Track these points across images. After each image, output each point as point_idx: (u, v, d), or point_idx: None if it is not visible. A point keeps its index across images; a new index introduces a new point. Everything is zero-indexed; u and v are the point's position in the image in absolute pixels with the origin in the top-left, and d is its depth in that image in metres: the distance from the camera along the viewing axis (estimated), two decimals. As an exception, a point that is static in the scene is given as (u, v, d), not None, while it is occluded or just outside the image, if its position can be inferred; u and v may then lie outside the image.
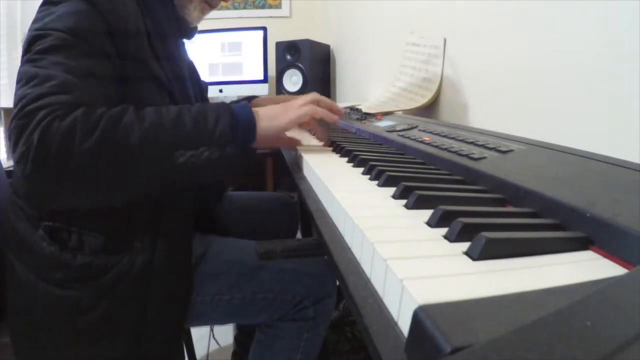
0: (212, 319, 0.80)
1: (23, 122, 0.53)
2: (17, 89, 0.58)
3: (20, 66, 0.60)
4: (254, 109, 0.67)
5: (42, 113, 0.53)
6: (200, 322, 0.81)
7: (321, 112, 0.72)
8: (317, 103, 0.73)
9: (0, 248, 0.73)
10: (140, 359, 0.70)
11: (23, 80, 0.57)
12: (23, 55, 0.63)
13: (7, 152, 1.97)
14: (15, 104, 0.55)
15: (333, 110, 0.76)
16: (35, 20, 0.65)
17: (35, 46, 0.60)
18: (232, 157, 0.61)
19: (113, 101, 0.62)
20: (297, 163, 0.75)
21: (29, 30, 0.64)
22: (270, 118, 0.67)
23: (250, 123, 0.65)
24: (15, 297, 0.70)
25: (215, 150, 0.60)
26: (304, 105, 0.71)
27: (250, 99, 1.05)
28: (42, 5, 0.66)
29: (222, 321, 0.85)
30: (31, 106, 0.53)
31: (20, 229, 0.69)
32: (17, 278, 0.69)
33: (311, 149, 0.79)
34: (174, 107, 0.63)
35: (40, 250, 0.66)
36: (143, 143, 0.56)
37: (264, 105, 0.75)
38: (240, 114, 0.64)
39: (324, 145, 0.81)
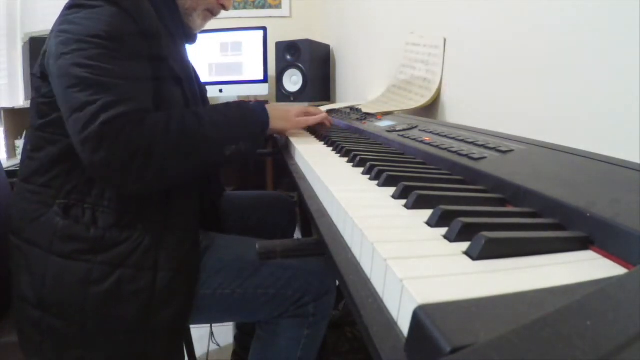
0: (214, 315, 0.81)
1: (104, 131, 0.60)
2: (71, 93, 0.62)
3: (60, 68, 0.64)
4: (267, 109, 0.83)
5: (120, 122, 0.61)
6: (202, 318, 0.82)
7: (312, 122, 0.96)
8: (305, 114, 0.94)
9: (4, 239, 0.75)
10: (144, 350, 0.70)
11: (80, 86, 0.62)
12: (54, 57, 0.65)
13: (7, 152, 1.97)
14: (77, 109, 0.61)
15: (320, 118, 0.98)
16: (64, 22, 0.68)
17: (78, 50, 0.64)
18: (258, 146, 0.80)
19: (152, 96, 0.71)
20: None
21: (59, 31, 0.67)
22: (280, 119, 0.86)
23: (266, 122, 0.82)
24: (22, 281, 0.71)
25: (249, 144, 0.76)
26: (299, 117, 0.92)
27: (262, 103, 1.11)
28: (69, 7, 0.69)
29: (224, 318, 0.86)
30: (107, 115, 0.61)
31: (31, 211, 0.71)
32: (25, 259, 0.71)
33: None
34: (216, 107, 0.79)
35: (54, 225, 0.69)
36: (205, 142, 0.70)
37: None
38: (260, 115, 0.81)
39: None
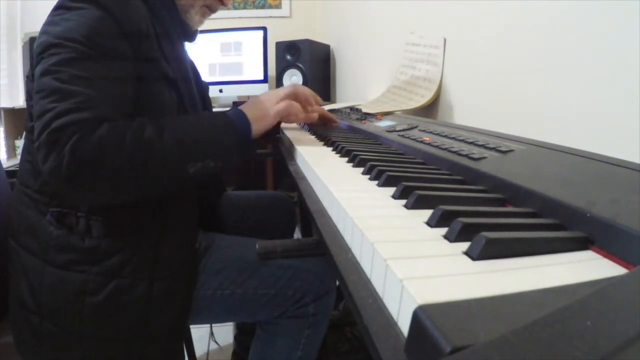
0: (213, 315, 0.81)
1: (52, 138, 0.57)
2: (37, 99, 0.61)
3: (38, 73, 0.62)
4: (245, 113, 0.74)
5: (69, 130, 0.57)
6: (202, 319, 0.82)
7: (297, 107, 0.81)
8: (295, 96, 0.81)
9: (4, 240, 0.74)
10: (142, 355, 0.70)
11: (44, 92, 0.60)
12: (36, 59, 0.64)
13: (7, 152, 1.97)
14: (39, 116, 0.59)
15: (310, 100, 0.87)
16: (48, 23, 0.66)
17: (51, 55, 0.62)
18: (232, 164, 0.71)
19: (130, 101, 0.68)
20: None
21: (42, 32, 0.66)
22: (258, 120, 0.75)
23: (247, 130, 0.73)
24: (20, 285, 0.71)
25: (219, 161, 0.68)
26: (281, 101, 0.79)
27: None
28: (56, 8, 0.68)
29: (224, 318, 0.86)
30: (58, 122, 0.58)
31: (27, 216, 0.71)
32: (22, 265, 0.70)
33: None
34: (184, 118, 0.71)
35: (48, 234, 0.68)
36: (162, 158, 0.63)
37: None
38: (238, 124, 0.72)
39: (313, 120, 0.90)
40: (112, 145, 0.59)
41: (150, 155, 0.62)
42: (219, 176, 0.98)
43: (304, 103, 0.86)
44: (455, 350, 0.18)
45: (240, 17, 2.55)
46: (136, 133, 0.62)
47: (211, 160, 0.67)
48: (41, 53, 0.63)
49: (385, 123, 0.95)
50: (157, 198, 0.71)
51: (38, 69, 0.63)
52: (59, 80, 0.60)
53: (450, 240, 0.32)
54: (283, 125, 0.85)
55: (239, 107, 0.76)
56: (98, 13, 0.65)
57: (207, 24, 0.93)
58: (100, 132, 0.59)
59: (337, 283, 0.85)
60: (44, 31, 0.65)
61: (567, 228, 0.34)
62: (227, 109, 1.22)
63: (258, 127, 0.75)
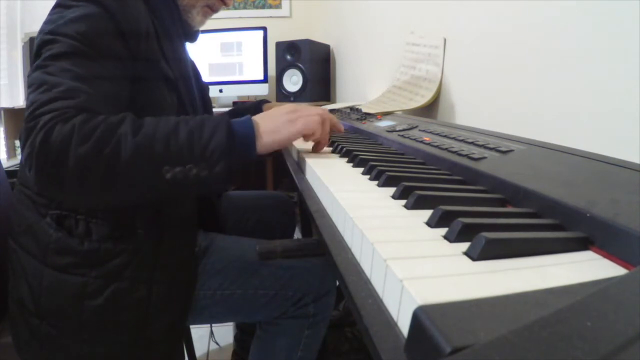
0: (213, 315, 0.81)
1: (30, 125, 0.55)
2: (27, 94, 0.60)
3: (31, 70, 0.62)
4: (255, 122, 0.64)
5: (46, 117, 0.55)
6: (202, 319, 0.82)
7: (321, 134, 0.70)
8: (323, 122, 0.70)
9: (3, 240, 0.74)
10: (142, 356, 0.70)
11: (33, 86, 0.59)
12: (33, 59, 0.64)
13: (7, 152, 1.97)
14: (27, 108, 0.58)
15: (336, 128, 0.77)
16: (46, 22, 0.66)
17: (45, 51, 0.61)
18: (221, 175, 0.58)
19: (123, 101, 0.65)
20: (300, 166, 0.73)
21: (40, 32, 0.65)
22: (271, 132, 0.65)
23: (249, 140, 0.63)
24: (19, 286, 0.70)
25: (203, 168, 0.57)
26: (309, 117, 0.68)
27: (261, 102, 1.08)
28: (55, 7, 0.67)
29: (224, 318, 0.86)
30: (39, 111, 0.56)
31: (27, 217, 0.70)
32: (22, 266, 0.70)
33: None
34: (174, 118, 0.60)
35: (47, 237, 0.68)
36: (132, 155, 0.55)
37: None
38: (239, 131, 0.62)
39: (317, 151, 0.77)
40: (82, 134, 0.54)
41: (118, 151, 0.54)
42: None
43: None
44: (455, 350, 0.18)
45: (240, 17, 2.55)
46: (110, 126, 0.56)
47: (193, 166, 0.57)
48: (37, 52, 0.63)
49: (385, 123, 0.95)
50: (136, 205, 0.67)
51: (33, 67, 0.62)
52: (47, 72, 0.59)
53: (450, 241, 0.32)
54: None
55: (253, 117, 0.67)
56: (96, 11, 0.65)
57: (207, 24, 0.93)
58: (75, 120, 0.54)
59: (337, 283, 0.85)
60: (41, 30, 0.65)
61: (567, 228, 0.34)
62: (228, 109, 1.22)
63: (270, 139, 0.64)
